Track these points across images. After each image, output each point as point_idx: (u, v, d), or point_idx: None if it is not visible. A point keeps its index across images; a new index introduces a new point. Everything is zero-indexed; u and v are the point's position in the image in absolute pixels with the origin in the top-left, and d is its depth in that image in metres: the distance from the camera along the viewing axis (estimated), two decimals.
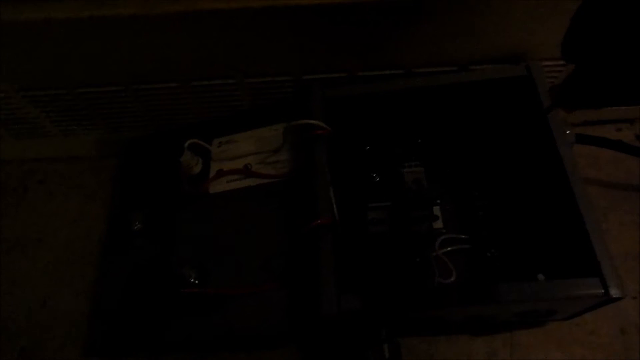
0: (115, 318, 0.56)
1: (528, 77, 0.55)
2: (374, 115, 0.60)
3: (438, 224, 0.56)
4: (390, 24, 0.53)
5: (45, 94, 0.60)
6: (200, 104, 0.64)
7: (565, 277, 0.46)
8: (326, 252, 0.49)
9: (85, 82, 0.59)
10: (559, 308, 0.50)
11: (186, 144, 0.60)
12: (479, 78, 0.57)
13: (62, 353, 0.60)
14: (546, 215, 0.54)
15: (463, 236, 0.58)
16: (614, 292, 0.44)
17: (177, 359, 0.60)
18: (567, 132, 0.52)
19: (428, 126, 0.61)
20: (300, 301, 0.50)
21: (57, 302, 0.63)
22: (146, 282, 0.57)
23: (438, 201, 0.57)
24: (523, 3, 0.51)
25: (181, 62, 0.57)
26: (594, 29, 0.35)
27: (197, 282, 0.54)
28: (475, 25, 0.53)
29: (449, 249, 0.56)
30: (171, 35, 0.53)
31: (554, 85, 0.56)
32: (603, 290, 0.44)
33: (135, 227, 0.60)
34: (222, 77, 0.59)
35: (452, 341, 0.57)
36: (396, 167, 0.59)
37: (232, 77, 0.59)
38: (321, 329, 0.51)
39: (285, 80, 0.60)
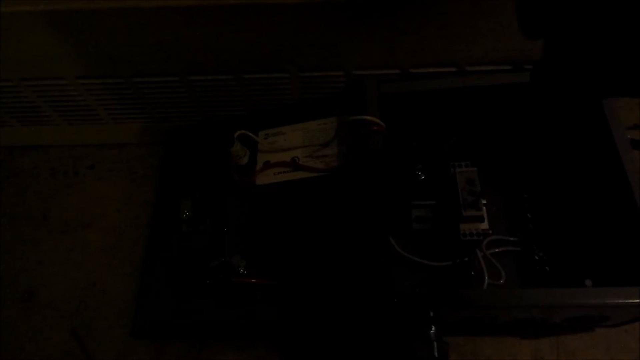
0: (162, 302, 0.58)
1: None
2: (424, 112, 0.60)
3: (484, 225, 0.56)
4: (448, 21, 0.53)
5: (103, 82, 0.62)
6: (250, 96, 0.64)
7: (618, 284, 0.45)
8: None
9: (143, 72, 0.60)
10: (612, 315, 0.49)
11: (236, 135, 0.60)
12: None
13: (111, 334, 0.62)
14: (601, 219, 0.53)
15: (512, 238, 0.57)
16: None
17: (220, 346, 0.61)
18: (628, 136, 0.51)
19: (478, 125, 0.61)
20: (345, 296, 0.51)
21: (107, 284, 0.65)
22: (193, 268, 0.58)
23: (484, 202, 0.57)
24: None
25: (237, 55, 0.57)
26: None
27: (245, 272, 0.55)
28: None
29: (497, 250, 0.56)
30: (229, 27, 0.54)
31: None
32: None
33: (185, 215, 0.61)
34: (276, 70, 0.60)
35: (498, 342, 0.56)
36: (443, 165, 0.59)
37: (286, 71, 0.60)
38: (370, 322, 0.51)
39: (337, 75, 0.60)
